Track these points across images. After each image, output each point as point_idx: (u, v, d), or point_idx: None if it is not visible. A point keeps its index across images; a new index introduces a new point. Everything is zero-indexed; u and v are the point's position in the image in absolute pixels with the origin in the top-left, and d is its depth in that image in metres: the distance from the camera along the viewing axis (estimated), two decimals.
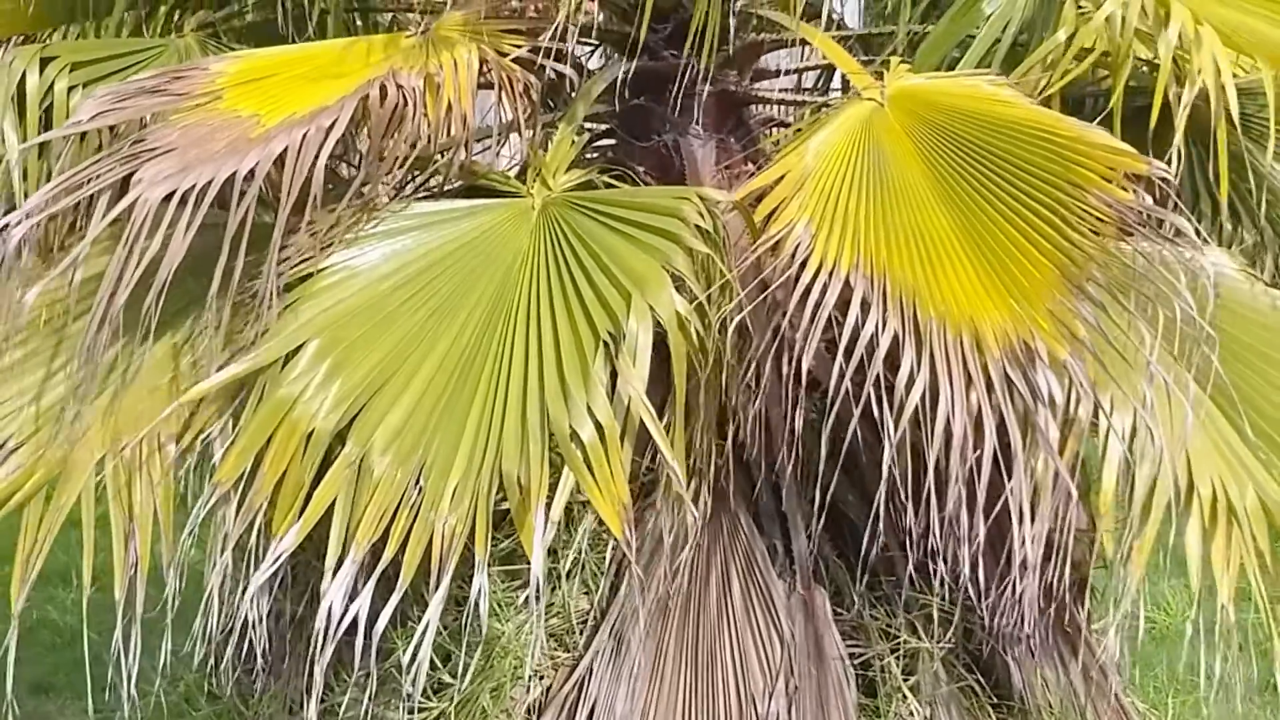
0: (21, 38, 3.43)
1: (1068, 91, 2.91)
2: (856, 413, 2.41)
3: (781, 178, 2.64)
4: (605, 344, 2.54)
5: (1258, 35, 2.91)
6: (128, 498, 2.69)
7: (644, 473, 2.83)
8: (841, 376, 2.41)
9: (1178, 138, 2.69)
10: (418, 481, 2.53)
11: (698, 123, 3.14)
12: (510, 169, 3.08)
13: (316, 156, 2.60)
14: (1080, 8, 2.95)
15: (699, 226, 2.61)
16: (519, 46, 2.91)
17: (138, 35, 3.52)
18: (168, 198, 2.57)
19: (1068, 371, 2.41)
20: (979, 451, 2.38)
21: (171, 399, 2.69)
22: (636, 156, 3.19)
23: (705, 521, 2.89)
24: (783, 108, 3.47)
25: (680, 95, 3.00)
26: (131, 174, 2.61)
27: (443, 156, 2.89)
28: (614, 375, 2.53)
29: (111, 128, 2.77)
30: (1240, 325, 2.97)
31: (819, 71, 3.64)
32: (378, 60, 2.84)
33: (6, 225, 2.63)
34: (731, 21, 3.21)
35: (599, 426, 2.48)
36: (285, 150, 2.61)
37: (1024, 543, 2.41)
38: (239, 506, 2.56)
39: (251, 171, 2.59)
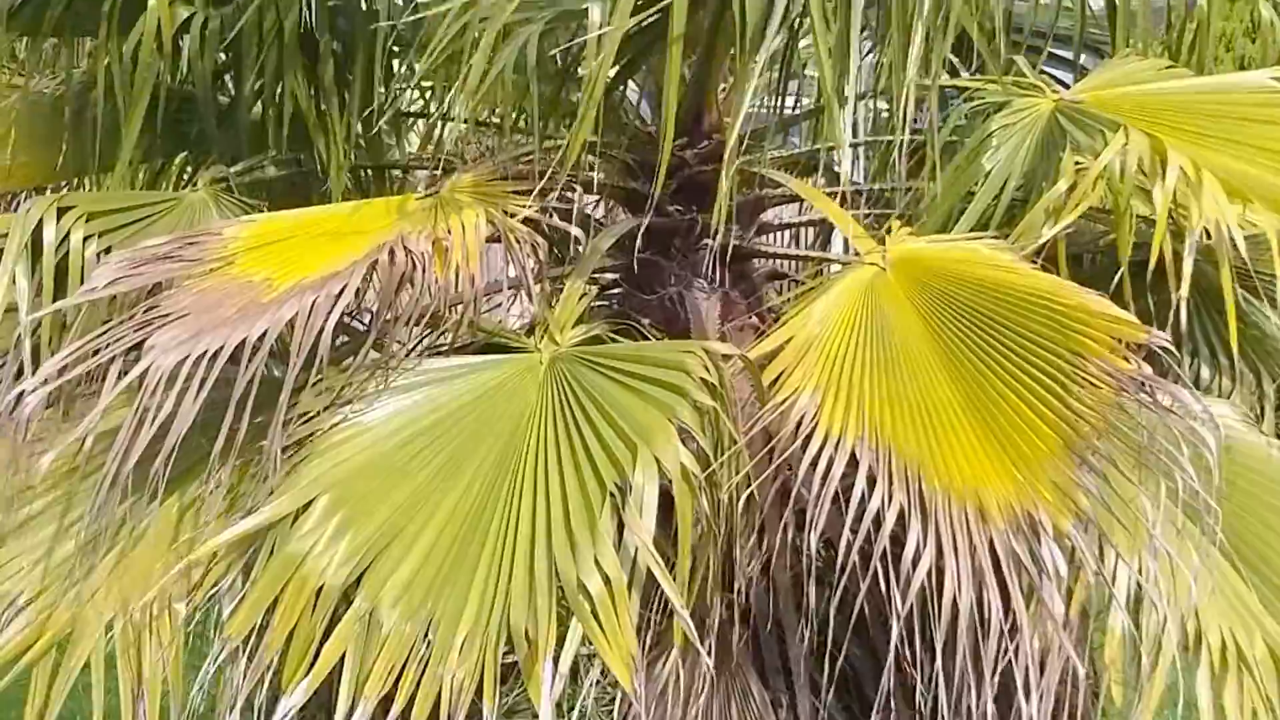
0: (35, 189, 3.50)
1: (1067, 247, 2.95)
2: (864, 584, 2.43)
3: (787, 342, 2.68)
4: (612, 496, 2.55)
5: (1255, 181, 2.94)
6: (137, 657, 2.69)
7: (650, 626, 2.83)
8: (849, 547, 2.43)
9: (1182, 294, 2.70)
10: (426, 635, 2.53)
11: (702, 276, 3.19)
12: (519, 325, 3.11)
13: (325, 322, 2.64)
14: (1078, 163, 3.00)
15: (704, 380, 2.63)
16: (526, 206, 2.96)
17: (153, 187, 3.58)
18: (180, 363, 2.61)
19: (1072, 541, 2.42)
20: (985, 621, 2.39)
21: (181, 557, 2.70)
22: (642, 309, 3.23)
23: (712, 676, 2.89)
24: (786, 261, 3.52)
25: (685, 249, 3.03)
26: (145, 339, 2.65)
27: (451, 314, 2.93)
28: (621, 526, 2.54)
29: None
30: (1242, 474, 2.98)
31: (821, 224, 3.69)
32: (387, 224, 2.89)
33: (22, 393, 2.66)
34: (735, 179, 3.29)
35: (606, 578, 2.48)
36: (295, 315, 2.65)
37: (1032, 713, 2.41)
38: (249, 662, 2.57)
39: (262, 336, 2.63)
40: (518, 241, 2.90)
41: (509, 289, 3.08)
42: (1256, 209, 2.87)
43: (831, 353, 2.66)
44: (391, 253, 2.74)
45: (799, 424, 2.53)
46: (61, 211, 3.10)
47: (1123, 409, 2.48)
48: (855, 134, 3.73)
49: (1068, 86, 3.41)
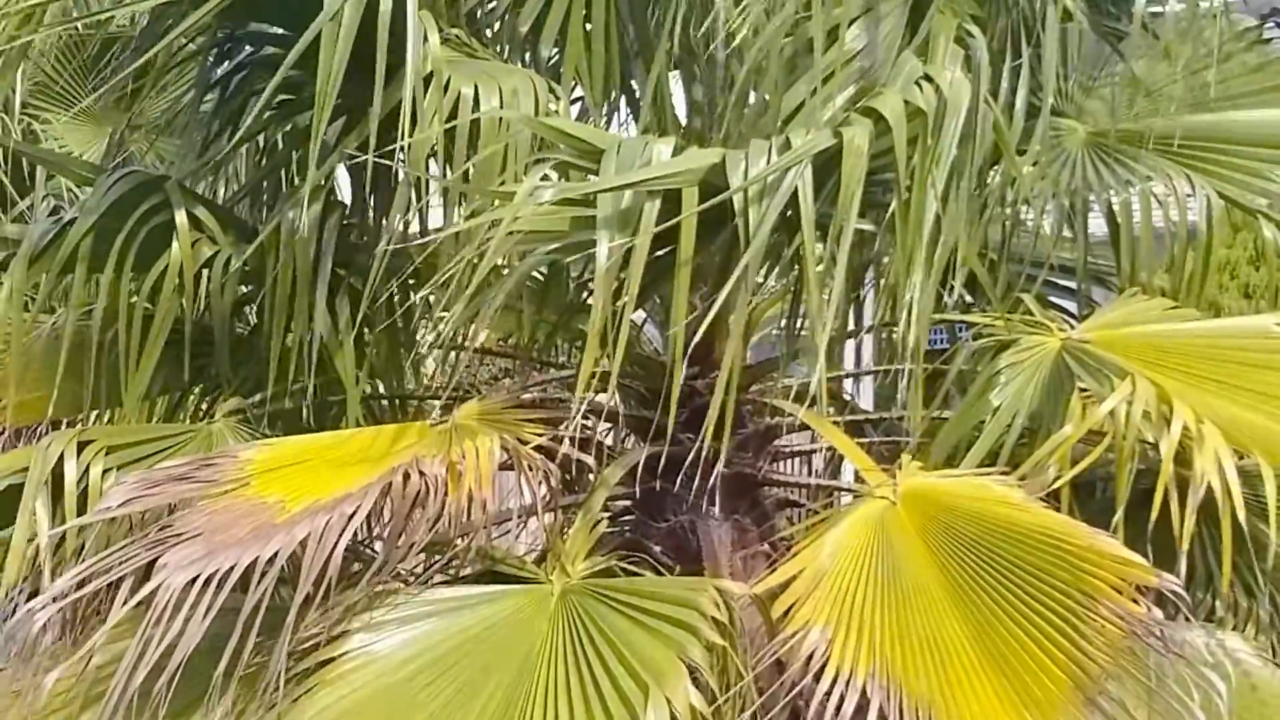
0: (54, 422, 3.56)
1: (1077, 477, 2.96)
2: None
3: (798, 574, 2.68)
4: None
5: (1258, 429, 2.96)
6: None
7: None
8: None
9: (1183, 546, 2.70)
10: None
11: (714, 504, 3.20)
12: (530, 552, 3.12)
13: (337, 542, 2.65)
14: (1083, 390, 3.03)
15: (715, 618, 2.63)
16: (539, 435, 2.99)
17: (171, 419, 3.64)
18: (191, 582, 2.62)
19: None
20: None
21: None
22: (654, 537, 3.25)
23: None
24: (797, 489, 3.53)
25: (697, 477, 3.05)
26: (157, 559, 2.67)
27: (462, 540, 2.94)
28: None
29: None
30: (1257, 710, 2.95)
31: (832, 451, 3.71)
32: (402, 448, 2.93)
33: (31, 610, 2.67)
34: (747, 408, 3.34)
35: None
36: (308, 536, 2.66)
37: None
38: None
39: (274, 556, 2.64)
40: (530, 468, 2.92)
41: (520, 516, 3.09)
42: (1257, 458, 2.87)
43: (842, 587, 2.66)
44: (405, 475, 2.76)
45: (810, 658, 2.52)
46: (81, 446, 3.17)
47: (1133, 651, 2.47)
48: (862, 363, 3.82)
49: (1071, 314, 3.47)
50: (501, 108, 3.03)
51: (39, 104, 4.91)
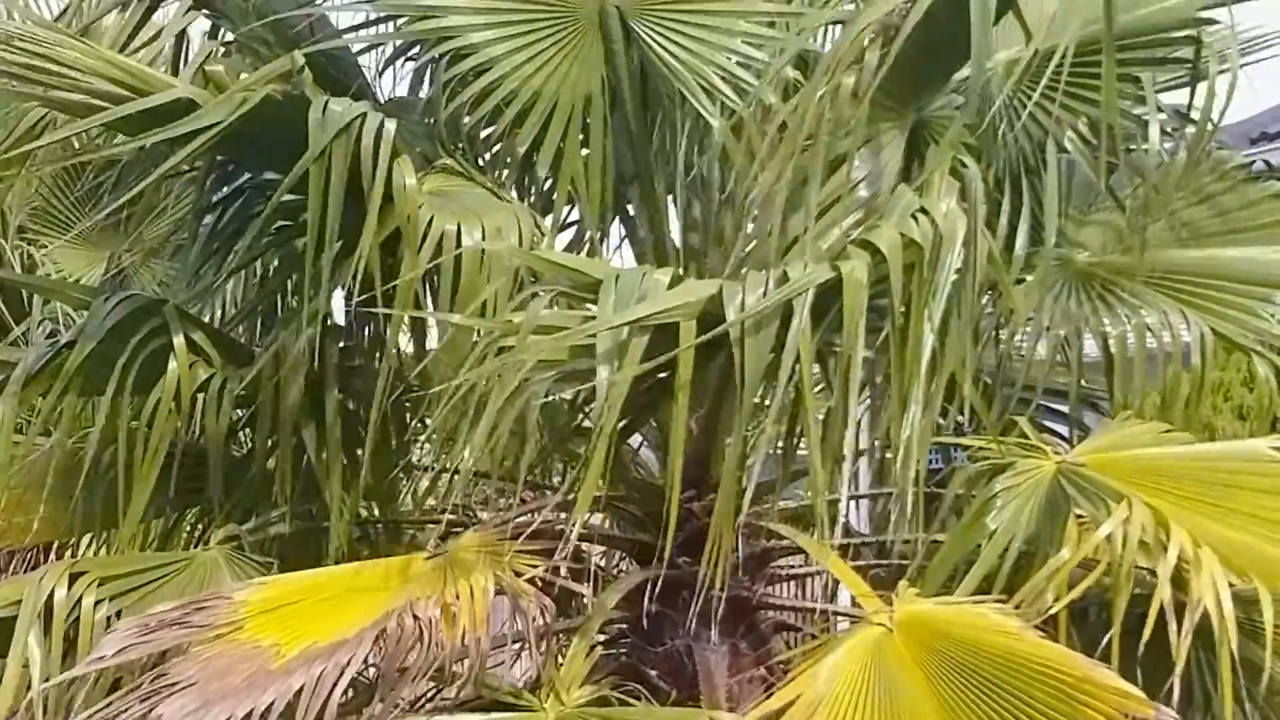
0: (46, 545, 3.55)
1: (1072, 602, 2.96)
2: None
3: (795, 700, 2.66)
4: None
5: (1255, 554, 2.95)
6: None
7: None
8: None
9: (1180, 657, 2.70)
10: None
11: (710, 628, 3.18)
12: (524, 680, 3.10)
13: (331, 692, 2.63)
14: (1080, 518, 3.03)
15: None
16: (534, 566, 2.98)
17: (165, 543, 3.63)
18: None
19: None
20: None
21: None
22: (650, 661, 3.23)
23: None
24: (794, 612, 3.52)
25: (693, 601, 3.04)
26: (151, 710, 2.65)
27: (456, 670, 2.92)
28: None
29: None
30: None
31: (829, 573, 3.70)
32: (395, 586, 2.92)
33: None
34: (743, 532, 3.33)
35: None
36: (303, 685, 2.64)
37: None
38: None
39: (269, 707, 2.62)
40: (526, 601, 2.91)
41: (514, 643, 3.08)
42: (1253, 581, 2.88)
43: (839, 714, 2.65)
44: (400, 620, 2.75)
45: None
46: (74, 577, 3.17)
47: None
48: (858, 486, 3.81)
49: (1063, 438, 3.47)
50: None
51: (36, 228, 4.94)
